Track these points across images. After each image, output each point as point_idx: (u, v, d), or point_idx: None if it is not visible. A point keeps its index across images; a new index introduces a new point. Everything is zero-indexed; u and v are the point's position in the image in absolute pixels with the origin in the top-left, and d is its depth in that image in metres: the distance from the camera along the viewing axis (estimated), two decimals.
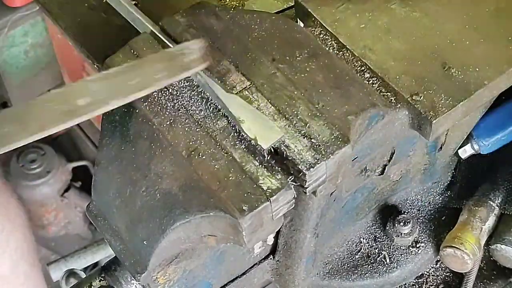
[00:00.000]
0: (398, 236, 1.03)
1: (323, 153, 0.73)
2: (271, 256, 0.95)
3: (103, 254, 2.05)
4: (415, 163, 1.00)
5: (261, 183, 0.72)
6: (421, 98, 0.81)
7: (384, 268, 1.03)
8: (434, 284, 1.06)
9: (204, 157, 0.73)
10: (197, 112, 0.77)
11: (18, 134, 0.61)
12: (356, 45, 0.86)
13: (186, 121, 0.76)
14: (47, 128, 0.61)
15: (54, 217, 2.34)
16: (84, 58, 1.27)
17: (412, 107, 0.81)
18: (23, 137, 0.61)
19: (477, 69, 0.84)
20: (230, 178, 0.72)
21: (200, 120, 0.76)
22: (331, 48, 0.87)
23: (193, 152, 0.74)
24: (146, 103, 0.77)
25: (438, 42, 0.87)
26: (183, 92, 0.78)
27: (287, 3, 1.07)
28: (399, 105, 0.82)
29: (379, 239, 1.05)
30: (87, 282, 0.87)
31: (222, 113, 0.76)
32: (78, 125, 2.31)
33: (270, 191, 0.71)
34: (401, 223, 1.02)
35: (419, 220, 1.06)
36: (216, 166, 0.73)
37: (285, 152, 0.73)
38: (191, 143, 0.75)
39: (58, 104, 0.61)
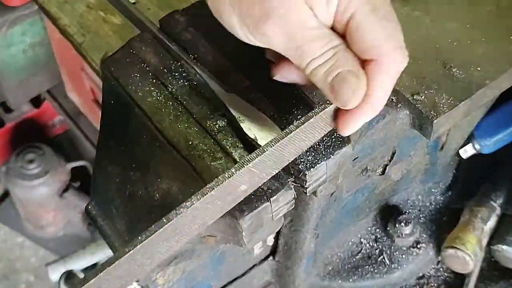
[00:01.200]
0: (399, 236, 1.02)
1: (324, 153, 0.73)
2: (271, 257, 0.95)
3: (102, 254, 2.06)
4: (416, 163, 0.99)
5: None
6: (422, 97, 0.81)
7: (385, 269, 1.03)
8: (435, 285, 1.05)
9: (203, 157, 0.73)
10: (196, 111, 0.76)
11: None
12: None
13: (186, 120, 0.76)
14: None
15: (53, 218, 2.34)
16: (83, 58, 1.26)
17: (413, 107, 0.81)
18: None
19: (478, 69, 0.84)
20: None
21: (200, 119, 0.76)
22: None
23: (192, 152, 0.74)
24: (145, 103, 0.77)
25: (439, 42, 0.87)
26: (183, 91, 0.78)
27: None
28: (400, 105, 0.82)
29: (380, 240, 1.05)
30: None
31: (222, 113, 0.76)
32: (77, 125, 2.32)
33: (270, 191, 0.71)
34: (402, 224, 1.02)
35: (420, 221, 1.06)
36: (215, 166, 0.72)
37: None
38: (190, 143, 0.74)
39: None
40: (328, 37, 0.62)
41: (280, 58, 0.69)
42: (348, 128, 0.66)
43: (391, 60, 0.64)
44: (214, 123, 0.75)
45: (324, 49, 0.62)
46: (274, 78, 0.71)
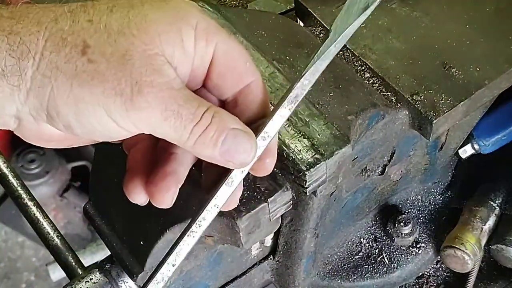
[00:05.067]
0: (399, 236, 1.02)
1: (323, 153, 0.73)
2: (271, 256, 0.95)
3: (103, 254, 2.06)
4: (415, 163, 0.99)
5: (258, 184, 0.72)
6: (422, 97, 0.81)
7: (385, 269, 1.03)
8: (435, 284, 1.05)
9: None
10: None
11: None
12: (356, 45, 0.86)
13: None
14: None
15: (53, 217, 2.34)
16: None
17: (413, 107, 0.81)
18: None
19: (478, 69, 0.84)
20: None
21: None
22: None
23: None
24: None
25: (438, 42, 0.87)
26: None
27: (290, 5, 1.06)
28: (399, 105, 0.82)
29: (379, 240, 1.05)
30: (84, 278, 0.86)
31: None
32: None
33: (267, 192, 0.71)
34: (402, 223, 1.02)
35: (419, 220, 1.06)
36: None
37: (285, 152, 0.73)
38: None
39: None
40: (197, 98, 0.55)
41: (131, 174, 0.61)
42: (268, 170, 0.60)
43: (260, 77, 0.60)
44: None
45: (201, 112, 0.54)
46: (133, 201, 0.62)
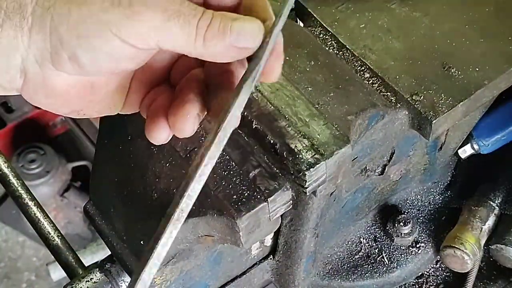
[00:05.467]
0: (398, 236, 1.03)
1: (323, 153, 0.73)
2: (271, 256, 0.95)
3: (103, 254, 2.06)
4: (415, 163, 1.00)
5: (258, 184, 0.72)
6: (421, 98, 0.81)
7: (384, 268, 1.03)
8: (434, 284, 1.05)
9: None
10: None
11: None
12: (356, 45, 0.86)
13: None
14: None
15: (53, 217, 2.35)
16: None
17: (412, 107, 0.81)
18: None
19: (477, 69, 0.84)
20: (228, 178, 0.72)
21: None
22: (331, 48, 0.87)
23: (190, 152, 0.74)
24: None
25: (438, 42, 0.87)
26: None
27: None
28: (399, 105, 0.82)
29: (379, 239, 1.05)
30: (85, 278, 0.87)
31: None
32: (78, 125, 2.32)
33: (267, 191, 0.71)
34: (401, 223, 1.02)
35: (419, 220, 1.06)
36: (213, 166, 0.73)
37: (284, 152, 0.73)
38: (188, 143, 0.74)
39: None
40: (192, 3, 0.56)
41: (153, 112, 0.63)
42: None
43: None
44: (212, 124, 0.76)
45: (201, 10, 0.55)
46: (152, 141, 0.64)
